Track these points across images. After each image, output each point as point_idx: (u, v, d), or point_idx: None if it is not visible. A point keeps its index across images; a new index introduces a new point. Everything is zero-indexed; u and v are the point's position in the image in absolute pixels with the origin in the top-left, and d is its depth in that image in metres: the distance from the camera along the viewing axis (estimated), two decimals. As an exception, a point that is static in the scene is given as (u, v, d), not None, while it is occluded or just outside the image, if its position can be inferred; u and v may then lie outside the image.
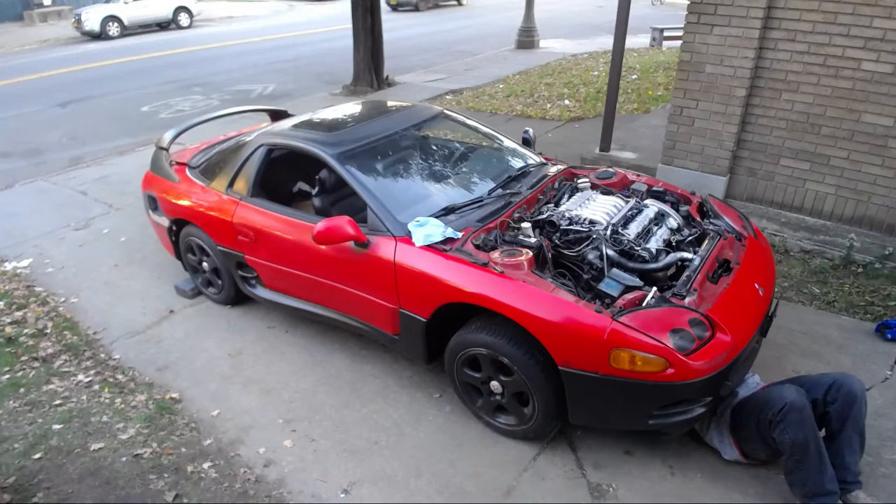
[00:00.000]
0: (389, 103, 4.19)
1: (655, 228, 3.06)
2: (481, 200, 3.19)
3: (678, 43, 7.06)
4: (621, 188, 3.53)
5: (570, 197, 3.37)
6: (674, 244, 3.01)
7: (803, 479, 2.38)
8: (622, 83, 8.60)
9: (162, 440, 3.03)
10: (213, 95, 10.21)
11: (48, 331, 3.92)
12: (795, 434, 2.35)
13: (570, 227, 2.97)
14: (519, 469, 2.78)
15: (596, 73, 10.47)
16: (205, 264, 4.06)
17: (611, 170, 3.68)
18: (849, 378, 2.54)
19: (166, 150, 4.29)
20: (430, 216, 2.98)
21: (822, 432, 2.51)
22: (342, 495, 2.71)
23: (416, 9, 21.04)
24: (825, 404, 2.50)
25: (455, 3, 22.65)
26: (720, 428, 2.72)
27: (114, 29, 17.79)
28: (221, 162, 3.94)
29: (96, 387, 3.43)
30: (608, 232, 2.90)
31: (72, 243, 5.14)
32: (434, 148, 3.89)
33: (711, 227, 3.13)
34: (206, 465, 2.88)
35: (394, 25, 13.42)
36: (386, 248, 2.92)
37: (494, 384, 2.83)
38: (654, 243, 2.93)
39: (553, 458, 2.83)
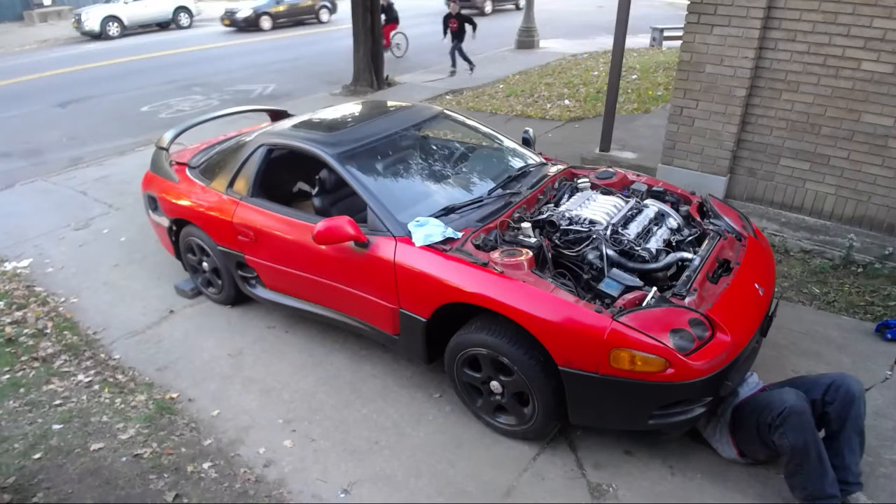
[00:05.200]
0: (389, 103, 4.19)
1: (655, 228, 3.06)
2: (481, 200, 3.19)
3: (678, 43, 7.07)
4: (621, 188, 3.53)
5: (570, 197, 3.37)
6: (674, 244, 3.01)
7: (804, 483, 2.37)
8: (622, 83, 8.61)
9: (162, 440, 3.03)
10: (213, 95, 10.21)
11: (48, 331, 3.92)
12: (795, 438, 2.35)
13: (570, 227, 2.97)
14: (519, 469, 2.78)
15: (596, 73, 10.47)
16: (205, 264, 4.06)
17: (611, 170, 3.68)
18: (847, 378, 2.54)
19: (166, 150, 4.29)
20: (430, 216, 2.98)
21: (822, 433, 2.51)
22: (342, 495, 2.71)
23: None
24: (823, 405, 2.50)
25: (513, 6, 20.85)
26: (719, 427, 2.72)
27: (114, 29, 17.79)
28: (221, 162, 3.94)
29: (96, 387, 3.43)
30: (608, 232, 2.90)
31: (72, 243, 5.14)
32: (434, 148, 3.89)
33: (711, 227, 3.13)
34: (206, 465, 2.88)
35: (394, 25, 13.56)
36: (386, 248, 2.92)
37: (494, 384, 2.83)
38: (654, 243, 2.93)
39: (553, 458, 2.83)
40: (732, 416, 2.66)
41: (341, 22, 18.39)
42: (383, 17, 12.05)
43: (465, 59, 10.90)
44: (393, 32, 12.77)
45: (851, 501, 2.40)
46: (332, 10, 20.03)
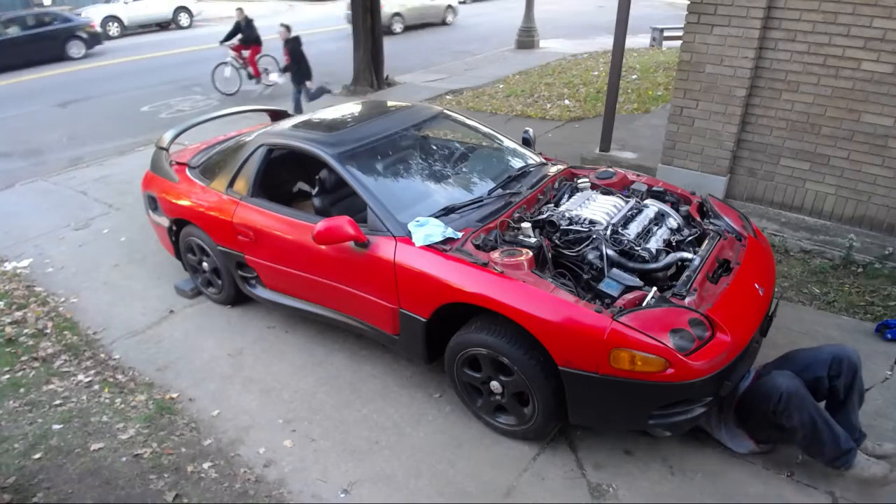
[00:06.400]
0: (389, 103, 4.19)
1: (655, 228, 3.06)
2: (481, 200, 3.19)
3: (678, 43, 7.06)
4: (621, 188, 3.53)
5: (570, 197, 3.37)
6: (674, 244, 3.01)
7: (822, 450, 2.47)
8: (622, 83, 8.61)
9: (162, 440, 3.03)
10: (213, 95, 10.19)
11: (48, 331, 3.92)
12: (801, 416, 2.44)
13: (570, 227, 2.97)
14: (519, 469, 2.78)
15: (596, 73, 10.47)
16: (205, 264, 4.06)
17: (611, 170, 3.68)
18: (845, 350, 2.66)
19: (166, 150, 4.29)
20: (431, 216, 2.98)
21: (826, 402, 2.65)
22: (342, 495, 2.71)
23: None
24: (830, 379, 2.61)
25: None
26: (729, 424, 2.74)
27: (114, 29, 17.79)
28: (221, 162, 3.94)
29: (96, 387, 3.43)
30: (608, 232, 2.90)
31: (72, 243, 5.14)
32: (434, 148, 3.89)
33: (711, 227, 3.13)
34: (206, 465, 2.88)
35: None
36: (386, 248, 2.92)
37: (494, 384, 2.83)
38: (654, 243, 2.93)
39: (553, 458, 2.83)
40: (737, 411, 2.70)
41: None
42: (239, 37, 9.87)
43: (302, 101, 8.10)
44: (258, 56, 10.01)
45: (868, 452, 2.54)
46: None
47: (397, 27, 16.28)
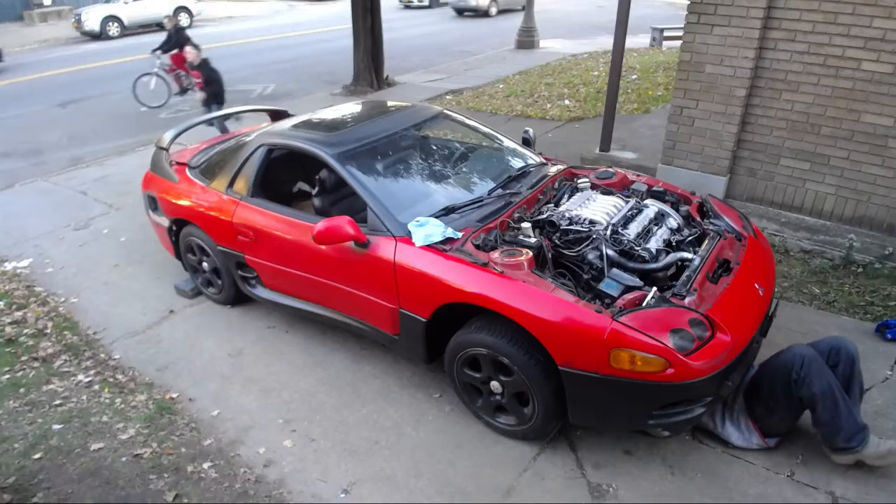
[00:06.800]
0: (389, 103, 4.19)
1: (655, 228, 3.06)
2: (481, 200, 3.19)
3: (678, 43, 7.07)
4: (621, 188, 3.53)
5: (570, 197, 3.37)
6: (674, 244, 3.01)
7: (838, 426, 2.49)
8: (622, 83, 8.60)
9: (162, 440, 3.03)
10: (213, 95, 10.19)
11: (48, 331, 3.92)
12: (821, 383, 2.47)
13: (570, 227, 2.97)
14: (519, 469, 2.78)
15: (596, 73, 10.47)
16: (205, 264, 4.06)
17: (611, 170, 3.68)
18: (843, 341, 2.70)
19: (166, 150, 4.29)
20: (431, 216, 2.98)
21: None
22: (342, 495, 2.71)
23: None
24: (829, 368, 2.61)
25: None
26: (735, 418, 2.75)
27: (114, 29, 17.80)
28: (221, 162, 3.94)
29: (96, 387, 3.43)
30: (608, 232, 2.90)
31: (72, 243, 5.14)
32: (434, 148, 3.89)
33: (711, 227, 3.13)
34: (206, 465, 2.88)
35: (394, 25, 13.29)
36: (386, 248, 2.92)
37: (494, 384, 2.83)
38: (654, 243, 2.93)
39: (553, 458, 2.83)
40: (746, 400, 2.72)
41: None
42: (166, 49, 9.12)
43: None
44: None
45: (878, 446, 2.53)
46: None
47: (493, 10, 19.18)
